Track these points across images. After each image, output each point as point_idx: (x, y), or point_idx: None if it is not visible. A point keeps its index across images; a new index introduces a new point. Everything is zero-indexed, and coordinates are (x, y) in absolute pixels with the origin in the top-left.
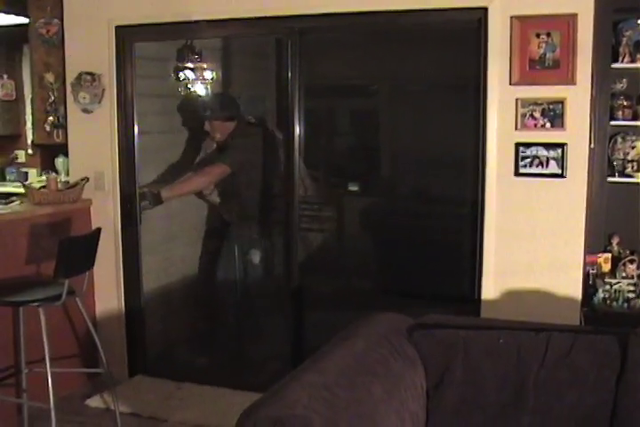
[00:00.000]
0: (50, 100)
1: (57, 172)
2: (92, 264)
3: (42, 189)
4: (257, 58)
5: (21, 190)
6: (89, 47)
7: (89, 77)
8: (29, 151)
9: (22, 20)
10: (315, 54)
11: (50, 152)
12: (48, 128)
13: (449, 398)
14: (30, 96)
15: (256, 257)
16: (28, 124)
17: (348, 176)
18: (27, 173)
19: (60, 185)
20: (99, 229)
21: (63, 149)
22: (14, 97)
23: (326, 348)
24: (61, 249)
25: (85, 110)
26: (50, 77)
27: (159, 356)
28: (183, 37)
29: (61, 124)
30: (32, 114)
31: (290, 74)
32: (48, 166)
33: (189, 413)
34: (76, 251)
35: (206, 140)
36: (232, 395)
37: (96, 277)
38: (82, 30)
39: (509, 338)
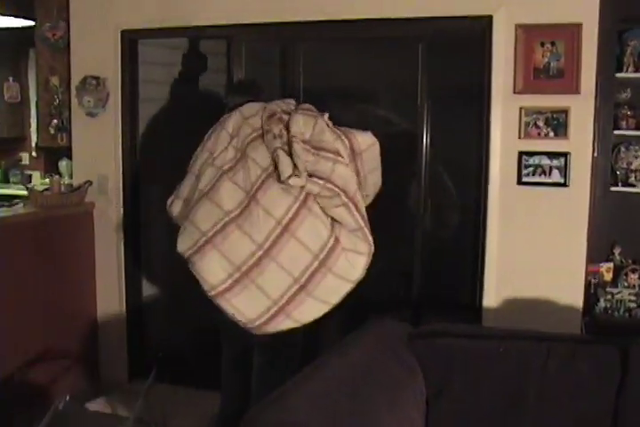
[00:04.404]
0: (55, 104)
1: (60, 174)
2: None
3: (45, 192)
4: (261, 63)
5: (25, 193)
6: (94, 51)
7: (94, 81)
8: (33, 154)
9: (28, 23)
10: (319, 61)
11: (54, 155)
12: (52, 131)
13: (449, 406)
14: (35, 99)
15: None
16: (33, 127)
17: None
18: (30, 175)
19: (63, 188)
20: None
21: (67, 153)
22: (19, 100)
23: (327, 355)
24: None
25: (90, 114)
26: (55, 81)
27: (160, 360)
28: (189, 42)
29: (65, 128)
30: (37, 117)
31: (293, 80)
32: (52, 169)
33: (189, 417)
34: None
35: None
36: None
37: (98, 281)
38: (88, 34)
39: (510, 347)
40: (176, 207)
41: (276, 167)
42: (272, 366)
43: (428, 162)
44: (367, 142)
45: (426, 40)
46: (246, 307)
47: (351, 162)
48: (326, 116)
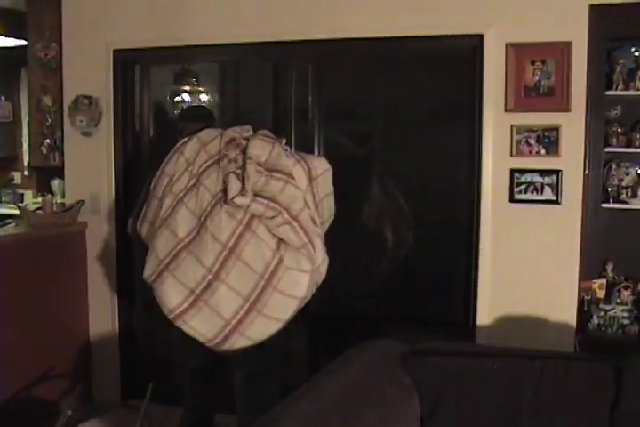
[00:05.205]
0: (47, 123)
1: (53, 194)
2: None
3: (37, 212)
4: (254, 82)
5: (17, 212)
6: (86, 71)
7: (86, 101)
8: (25, 173)
9: (21, 43)
10: (315, 80)
11: (46, 174)
12: (45, 151)
13: (443, 424)
14: (27, 118)
15: None
16: (25, 146)
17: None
18: (22, 194)
19: (55, 207)
20: None
21: (59, 172)
22: (11, 119)
23: (320, 375)
24: None
25: (82, 133)
26: (47, 100)
27: (153, 380)
28: (181, 62)
29: (58, 147)
30: (29, 136)
31: (286, 99)
32: (44, 188)
33: None
34: None
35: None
36: (231, 421)
37: (91, 300)
38: (80, 54)
39: (504, 365)
40: (144, 229)
41: (225, 191)
42: (252, 379)
43: None
44: (322, 167)
45: (419, 59)
46: (203, 328)
47: (308, 186)
48: (283, 141)
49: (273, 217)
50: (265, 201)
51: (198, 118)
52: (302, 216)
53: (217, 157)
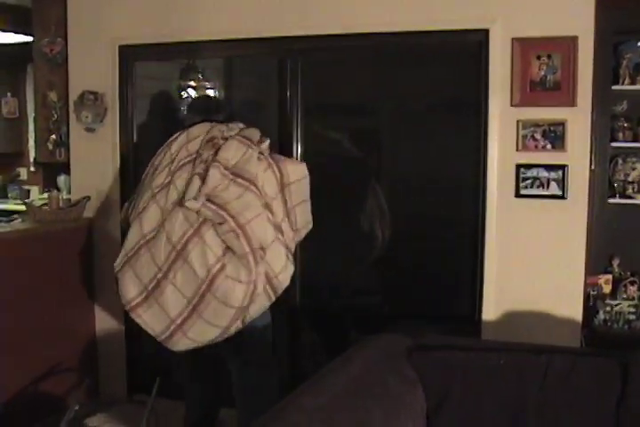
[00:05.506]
0: (53, 119)
1: (59, 189)
2: None
3: (43, 207)
4: (259, 77)
5: (23, 208)
6: (92, 66)
7: (92, 96)
8: (32, 169)
9: (26, 38)
10: (315, 75)
11: (52, 170)
12: (50, 146)
13: (449, 419)
14: (33, 114)
15: None
16: (31, 142)
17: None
18: (29, 190)
19: (61, 203)
20: None
21: (65, 168)
22: (17, 115)
23: (324, 370)
24: None
25: (88, 129)
26: (53, 96)
27: (159, 375)
28: (185, 57)
29: (64, 143)
30: (35, 132)
31: (290, 94)
32: (50, 184)
33: None
34: None
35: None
36: (233, 416)
37: (97, 296)
38: (85, 50)
39: (510, 360)
40: (131, 218)
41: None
42: (246, 371)
43: None
44: (297, 175)
45: (423, 53)
46: (152, 322)
47: (279, 193)
48: (266, 143)
49: (220, 223)
50: (214, 207)
51: (201, 110)
52: (252, 225)
53: (194, 156)
